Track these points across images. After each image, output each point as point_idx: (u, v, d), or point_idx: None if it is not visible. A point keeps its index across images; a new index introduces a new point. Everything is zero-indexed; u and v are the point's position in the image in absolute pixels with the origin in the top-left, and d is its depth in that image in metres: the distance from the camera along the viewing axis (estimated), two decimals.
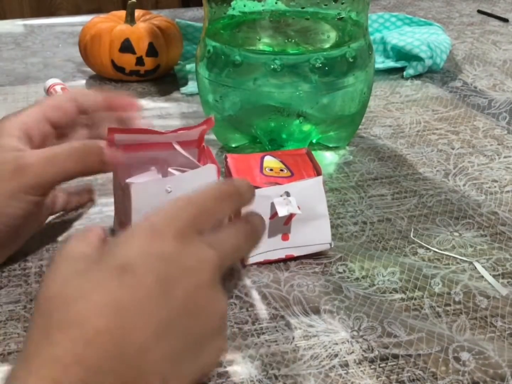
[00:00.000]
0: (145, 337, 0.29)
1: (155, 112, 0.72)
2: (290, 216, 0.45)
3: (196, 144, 0.47)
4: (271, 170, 0.48)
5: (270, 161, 0.49)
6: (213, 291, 0.33)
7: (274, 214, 0.44)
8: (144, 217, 0.33)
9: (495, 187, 0.57)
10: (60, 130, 0.46)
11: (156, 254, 0.31)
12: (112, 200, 0.55)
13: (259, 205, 0.44)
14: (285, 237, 0.46)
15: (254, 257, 0.46)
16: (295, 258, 0.47)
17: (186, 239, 0.33)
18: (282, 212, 0.43)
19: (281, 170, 0.48)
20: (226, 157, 0.49)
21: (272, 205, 0.44)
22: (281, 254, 0.46)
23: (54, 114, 0.45)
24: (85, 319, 0.29)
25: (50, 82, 0.74)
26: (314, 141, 0.62)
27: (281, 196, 0.44)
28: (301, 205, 0.45)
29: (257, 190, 0.44)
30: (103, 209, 0.54)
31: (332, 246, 0.47)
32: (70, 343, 0.28)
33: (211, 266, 0.33)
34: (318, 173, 0.46)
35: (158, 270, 0.31)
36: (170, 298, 0.31)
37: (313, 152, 0.50)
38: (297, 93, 0.55)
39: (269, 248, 0.46)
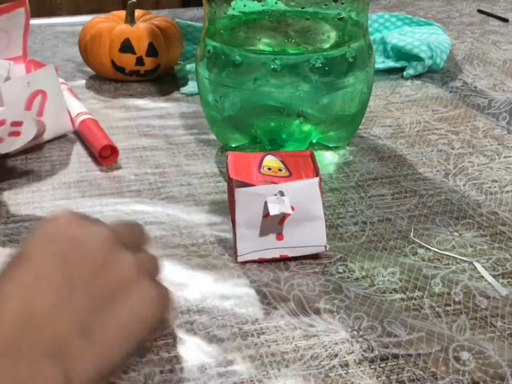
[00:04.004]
0: (50, 302, 0.32)
1: (155, 112, 0.72)
2: (284, 216, 0.45)
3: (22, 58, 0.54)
4: (269, 169, 0.48)
5: (270, 160, 0.49)
6: (108, 246, 0.36)
7: (267, 213, 0.44)
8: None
9: (495, 187, 0.57)
10: None
11: (47, 239, 0.35)
12: (112, 200, 0.55)
13: (253, 203, 0.44)
14: (279, 237, 0.46)
15: (248, 254, 0.46)
16: (295, 258, 0.47)
17: (72, 218, 0.37)
18: (273, 211, 0.44)
19: (280, 169, 0.48)
20: (227, 154, 0.49)
21: (266, 204, 0.44)
22: (275, 254, 0.46)
23: None
24: None
25: None
26: (314, 141, 0.62)
27: (274, 195, 0.44)
28: (295, 206, 0.45)
29: (251, 188, 0.44)
30: (103, 209, 0.54)
31: (327, 248, 0.47)
32: None
33: (102, 234, 0.36)
34: (317, 175, 0.47)
35: (49, 250, 0.35)
36: (66, 265, 0.34)
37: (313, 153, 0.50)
38: (297, 93, 0.55)
39: (263, 246, 0.46)
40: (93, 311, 0.33)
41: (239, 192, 0.45)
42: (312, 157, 0.49)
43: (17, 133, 0.54)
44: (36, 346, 0.31)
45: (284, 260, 0.47)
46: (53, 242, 0.35)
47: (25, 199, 0.55)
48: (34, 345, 0.31)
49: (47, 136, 0.64)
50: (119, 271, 0.35)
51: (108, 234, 0.36)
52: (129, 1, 0.79)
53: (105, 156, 0.61)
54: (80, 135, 0.65)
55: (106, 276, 0.35)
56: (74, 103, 0.68)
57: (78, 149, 0.64)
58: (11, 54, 0.61)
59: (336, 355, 0.39)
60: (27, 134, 0.55)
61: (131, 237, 0.40)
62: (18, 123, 0.53)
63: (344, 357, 0.39)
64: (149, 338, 0.39)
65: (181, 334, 0.40)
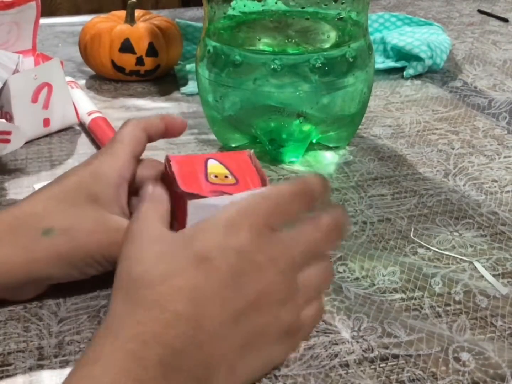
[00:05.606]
0: (217, 325, 0.31)
1: (155, 112, 0.72)
2: None
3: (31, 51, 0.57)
4: (216, 177, 0.42)
5: (215, 166, 0.44)
6: (284, 293, 0.34)
7: None
8: (222, 209, 0.35)
9: (495, 187, 0.57)
10: None
11: (231, 247, 0.33)
12: None
13: (206, 214, 0.39)
14: None
15: None
16: None
17: (260, 234, 0.34)
18: None
19: (226, 176, 0.43)
20: (168, 160, 0.42)
21: None
22: None
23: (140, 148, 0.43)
24: (166, 302, 0.31)
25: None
26: (314, 141, 0.62)
27: None
28: None
29: (205, 200, 0.39)
30: None
31: None
32: (151, 323, 0.30)
33: (282, 264, 0.34)
34: (262, 179, 0.42)
35: (232, 262, 0.32)
36: (242, 291, 0.32)
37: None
38: (297, 93, 0.55)
39: None
40: (246, 347, 0.33)
41: (192, 204, 0.40)
42: (252, 159, 0.44)
43: (6, 140, 0.56)
44: (190, 368, 0.30)
45: None
46: (237, 253, 0.33)
47: None
48: (188, 366, 0.30)
49: (53, 127, 0.66)
50: (284, 319, 0.34)
51: (290, 264, 0.34)
52: (129, 1, 0.79)
53: None
54: (90, 133, 0.66)
55: (270, 318, 0.33)
56: (87, 102, 0.70)
57: (78, 149, 0.64)
58: (21, 47, 0.62)
59: (336, 355, 0.39)
60: (16, 142, 0.57)
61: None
62: (7, 133, 0.55)
63: (344, 357, 0.39)
64: None
65: None
